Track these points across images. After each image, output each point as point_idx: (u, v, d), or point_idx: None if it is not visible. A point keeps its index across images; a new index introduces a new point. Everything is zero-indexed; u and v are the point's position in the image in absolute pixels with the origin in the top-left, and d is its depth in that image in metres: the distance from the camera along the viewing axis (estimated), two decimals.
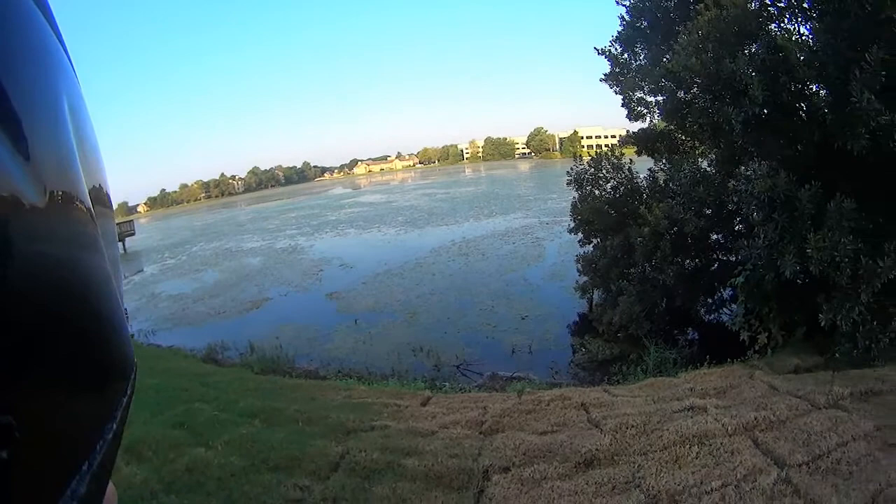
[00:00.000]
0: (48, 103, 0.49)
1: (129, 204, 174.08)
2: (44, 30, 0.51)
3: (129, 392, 0.57)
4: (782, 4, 10.94)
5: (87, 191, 0.52)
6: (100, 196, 0.60)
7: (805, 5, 10.58)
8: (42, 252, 0.40)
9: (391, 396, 10.20)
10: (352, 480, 6.17)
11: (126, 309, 0.60)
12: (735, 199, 10.14)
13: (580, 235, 17.27)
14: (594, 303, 17.20)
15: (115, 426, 0.51)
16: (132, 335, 20.19)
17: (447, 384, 12.62)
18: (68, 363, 0.43)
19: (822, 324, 9.03)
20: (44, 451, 0.39)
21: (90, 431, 0.46)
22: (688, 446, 6.09)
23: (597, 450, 6.27)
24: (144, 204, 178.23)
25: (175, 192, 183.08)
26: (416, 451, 6.86)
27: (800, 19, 10.82)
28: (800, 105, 10.32)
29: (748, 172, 9.72)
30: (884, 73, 8.17)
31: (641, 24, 14.99)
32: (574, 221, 17.15)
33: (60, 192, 0.45)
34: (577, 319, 17.70)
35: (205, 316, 24.06)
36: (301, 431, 7.89)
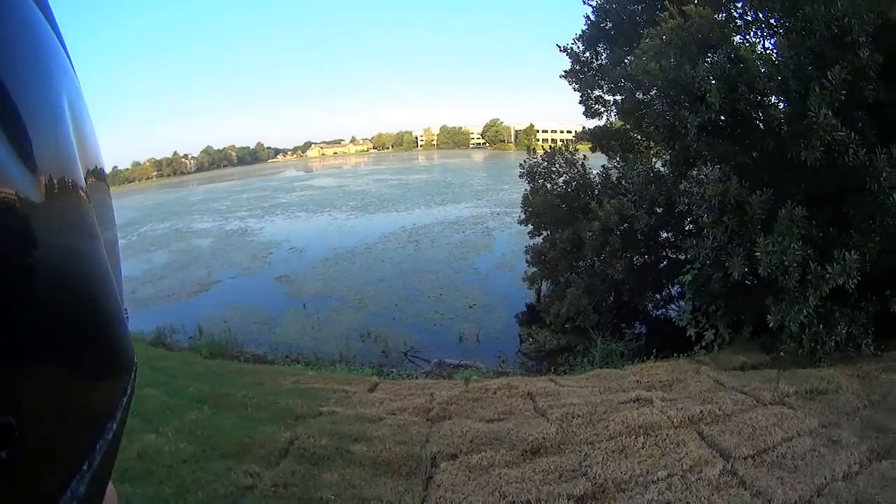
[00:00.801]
0: (48, 102, 0.49)
1: None
2: (44, 30, 0.51)
3: (129, 392, 0.57)
4: (749, 18, 11.20)
5: (87, 190, 0.52)
6: (100, 196, 0.60)
7: (772, 21, 10.83)
8: (42, 252, 0.40)
9: (339, 382, 10.24)
10: (301, 467, 6.18)
11: (126, 308, 0.60)
12: (686, 201, 10.31)
13: (530, 227, 17.39)
14: (542, 294, 17.39)
15: (115, 426, 0.51)
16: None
17: (395, 370, 12.69)
18: (68, 363, 0.43)
19: (771, 324, 9.25)
20: (44, 451, 0.39)
21: (90, 431, 0.47)
22: (634, 437, 6.22)
23: (543, 438, 6.37)
24: None
25: (127, 169, 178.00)
26: (364, 437, 6.90)
27: (765, 34, 11.09)
28: (757, 115, 10.54)
29: (700, 176, 9.91)
30: (843, 91, 8.45)
31: (606, 24, 15.22)
32: (525, 213, 17.28)
33: (61, 192, 0.46)
34: (525, 310, 17.88)
35: (154, 298, 23.67)
36: (250, 417, 7.89)
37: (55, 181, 0.44)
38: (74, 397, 0.44)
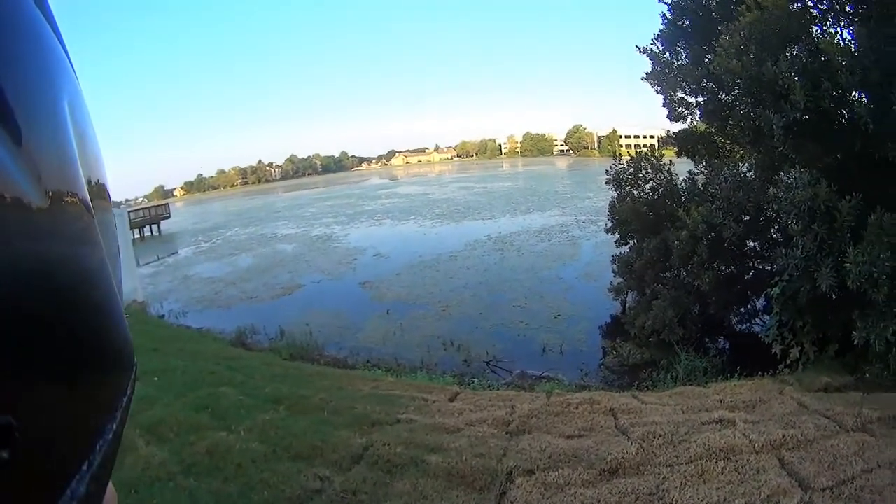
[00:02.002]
0: (48, 103, 0.49)
1: (166, 187, 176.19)
2: (44, 30, 0.52)
3: (129, 392, 0.57)
4: (825, 7, 10.69)
5: (87, 191, 0.52)
6: (100, 196, 0.60)
7: (847, 9, 10.32)
8: (42, 252, 0.41)
9: (419, 390, 10.22)
10: (373, 474, 6.16)
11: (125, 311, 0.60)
12: (774, 207, 9.93)
13: (617, 236, 17.07)
14: (627, 305, 17.05)
15: (115, 426, 0.51)
16: (161, 316, 20.62)
17: (476, 380, 12.59)
18: (68, 363, 0.43)
19: (856, 342, 8.81)
20: (44, 452, 0.39)
21: (90, 431, 0.47)
22: (714, 461, 5.99)
23: (623, 458, 6.19)
24: (181, 188, 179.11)
25: (212, 177, 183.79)
26: (440, 447, 6.83)
27: (842, 23, 10.56)
28: (841, 112, 10.06)
29: (789, 180, 9.51)
30: None
31: (683, 22, 14.77)
32: (611, 221, 16.96)
33: (61, 193, 0.46)
34: (610, 321, 17.55)
35: (236, 300, 24.36)
36: (325, 421, 7.91)
37: (55, 182, 0.45)
38: (74, 398, 0.44)
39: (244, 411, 8.15)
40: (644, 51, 15.59)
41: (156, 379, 9.66)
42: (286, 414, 8.19)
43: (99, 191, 0.60)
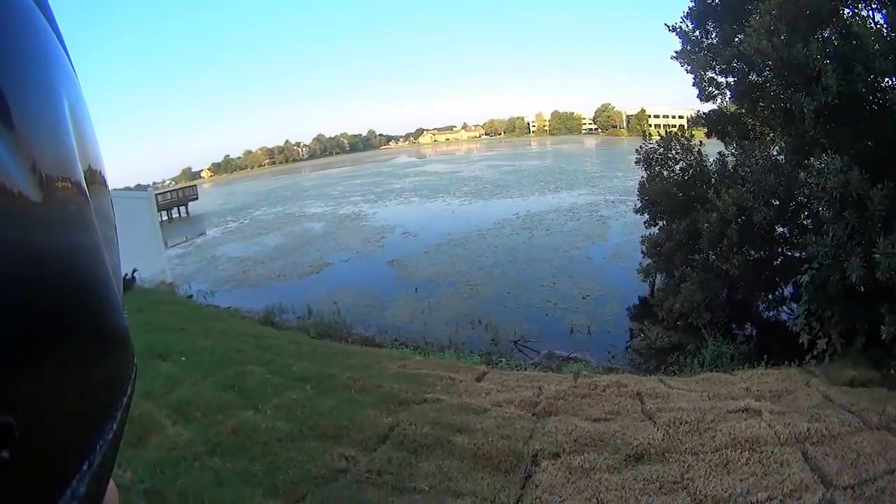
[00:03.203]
0: (48, 103, 0.49)
1: (193, 169, 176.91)
2: (44, 30, 0.52)
3: (129, 391, 0.57)
4: None
5: (87, 192, 0.53)
6: (100, 197, 0.61)
7: None
8: (42, 252, 0.41)
9: (446, 369, 10.22)
10: (399, 454, 6.22)
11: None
12: (805, 192, 9.81)
13: (646, 216, 16.95)
14: (656, 287, 16.99)
15: (115, 426, 0.51)
16: (189, 296, 20.81)
17: (503, 360, 12.62)
18: (69, 363, 0.44)
19: (883, 336, 8.70)
20: (44, 451, 0.40)
21: (90, 431, 0.47)
22: (739, 451, 5.98)
23: (648, 444, 6.20)
24: (208, 169, 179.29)
25: (239, 157, 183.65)
26: (467, 428, 6.87)
27: (874, 5, 10.35)
28: (874, 98, 9.89)
29: (820, 166, 9.39)
30: None
31: (713, 0, 14.54)
32: (641, 202, 16.86)
33: (61, 192, 0.46)
34: (638, 303, 17.52)
35: (265, 279, 24.58)
36: (352, 400, 7.96)
37: (55, 182, 0.46)
38: (75, 397, 0.45)
39: (271, 390, 8.21)
40: (673, 29, 15.33)
41: (183, 359, 9.75)
42: (313, 392, 8.23)
43: (100, 194, 0.62)
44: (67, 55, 0.58)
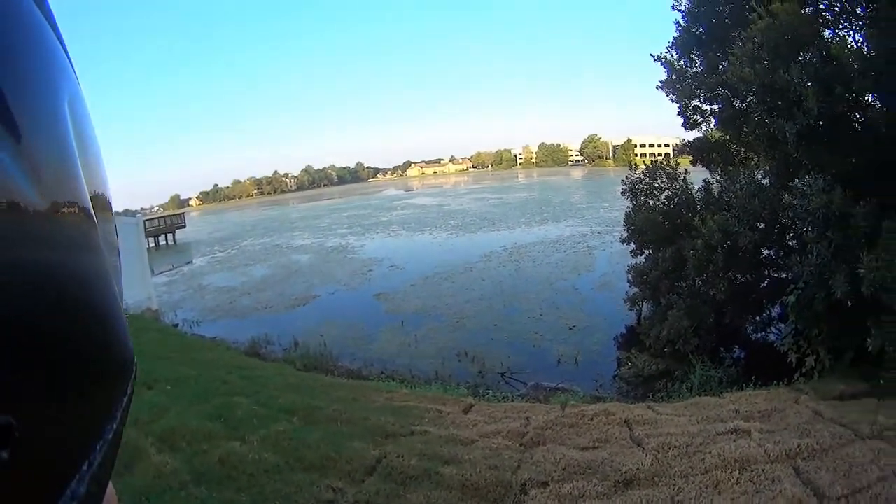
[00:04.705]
0: (48, 104, 0.48)
1: (182, 197, 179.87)
2: (44, 30, 0.51)
3: (129, 392, 0.56)
4: (837, 9, 10.65)
5: (87, 192, 0.51)
6: (100, 197, 0.59)
7: (858, 10, 10.28)
8: (41, 253, 0.40)
9: (433, 402, 10.18)
10: (387, 486, 6.12)
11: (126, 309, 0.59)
12: (790, 214, 9.89)
13: (632, 246, 17.08)
14: (643, 315, 16.97)
15: (115, 426, 0.50)
16: (175, 325, 20.78)
17: (490, 392, 12.58)
18: (68, 363, 0.42)
19: (870, 349, 8.77)
20: (44, 452, 0.39)
21: (90, 432, 0.46)
22: (729, 471, 5.93)
23: (637, 470, 6.15)
24: (196, 198, 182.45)
25: (228, 187, 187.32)
26: (454, 459, 6.80)
27: (854, 26, 10.52)
28: (855, 117, 10.01)
29: (804, 187, 9.47)
30: None
31: (697, 30, 14.81)
32: (627, 231, 16.98)
33: (61, 194, 0.45)
34: (625, 332, 17.53)
35: (251, 310, 24.59)
36: (339, 432, 7.87)
37: (55, 183, 0.45)
38: (75, 398, 0.43)
39: (257, 421, 8.10)
40: (658, 59, 15.62)
41: (169, 387, 9.67)
42: (300, 424, 8.16)
43: (99, 194, 0.60)
44: (67, 55, 0.58)
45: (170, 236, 57.17)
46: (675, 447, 6.70)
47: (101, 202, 0.59)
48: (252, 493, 5.86)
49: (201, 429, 7.59)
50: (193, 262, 42.65)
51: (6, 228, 0.36)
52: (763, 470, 5.92)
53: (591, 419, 8.37)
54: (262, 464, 6.55)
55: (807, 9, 10.66)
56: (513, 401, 11.44)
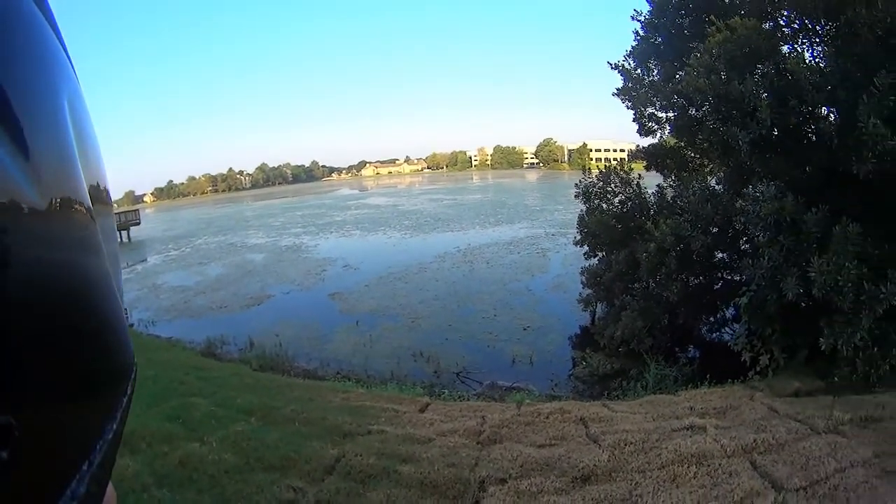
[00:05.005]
0: (48, 103, 0.49)
1: (136, 193, 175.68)
2: (44, 30, 0.51)
3: (129, 392, 0.57)
4: (796, 26, 10.94)
5: (87, 191, 0.52)
6: (100, 196, 0.60)
7: (817, 28, 10.57)
8: (42, 253, 0.41)
9: (390, 401, 10.17)
10: (346, 484, 6.12)
11: (126, 309, 0.59)
12: (742, 220, 10.11)
13: (586, 248, 17.20)
14: (597, 316, 17.16)
15: (115, 426, 0.50)
16: (130, 325, 20.28)
17: (446, 391, 12.56)
18: (68, 363, 0.43)
19: (823, 348, 9.01)
20: (44, 452, 0.39)
21: (90, 431, 0.46)
22: (686, 466, 6.03)
23: (594, 465, 6.22)
24: (151, 194, 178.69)
25: (183, 184, 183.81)
26: (412, 458, 6.82)
27: (812, 42, 10.82)
28: (808, 128, 10.29)
29: (756, 193, 9.69)
30: (892, 97, 8.18)
31: (656, 39, 14.99)
32: (580, 234, 17.11)
33: (61, 193, 0.46)
34: (579, 332, 17.67)
35: (206, 309, 24.26)
36: (297, 432, 7.85)
37: (55, 182, 0.45)
38: (74, 398, 0.44)
39: (216, 422, 8.04)
40: (616, 67, 15.79)
41: None
42: (258, 425, 8.12)
43: (99, 192, 0.60)
44: (67, 55, 0.58)
45: (124, 234, 55.60)
46: (632, 443, 6.79)
47: (101, 202, 0.60)
48: (213, 494, 5.83)
49: (161, 430, 7.52)
50: (148, 260, 41.81)
51: (6, 228, 0.36)
52: (720, 464, 6.04)
53: (547, 417, 8.46)
54: (222, 464, 6.51)
55: (767, 24, 10.92)
56: (469, 400, 11.50)
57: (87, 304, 0.47)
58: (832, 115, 10.07)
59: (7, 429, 0.34)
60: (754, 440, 6.56)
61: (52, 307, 0.41)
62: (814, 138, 10.31)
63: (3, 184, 0.36)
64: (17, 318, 0.36)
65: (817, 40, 10.77)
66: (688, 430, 7.23)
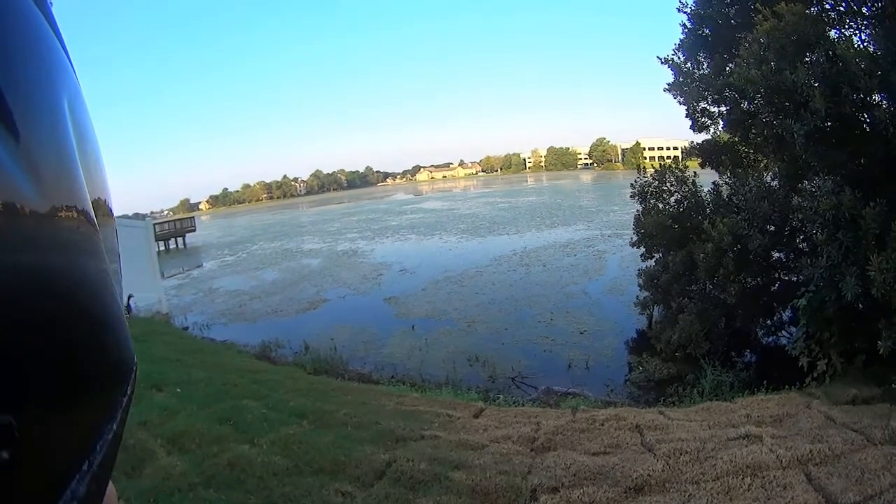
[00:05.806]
0: (48, 104, 0.49)
1: (192, 201, 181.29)
2: (44, 30, 0.51)
3: (129, 392, 0.56)
4: (842, 8, 10.57)
5: (87, 193, 0.52)
6: (100, 198, 0.60)
7: (863, 10, 10.21)
8: (42, 253, 0.41)
9: (444, 406, 10.11)
10: (396, 490, 6.09)
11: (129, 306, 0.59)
12: (799, 216, 9.82)
13: (642, 249, 16.96)
14: (654, 319, 16.94)
15: (115, 426, 0.50)
16: (185, 328, 20.81)
17: (501, 396, 12.53)
18: (68, 364, 0.43)
19: (881, 351, 8.65)
20: (44, 452, 0.39)
21: (91, 431, 0.47)
22: (741, 477, 5.88)
23: (648, 475, 6.10)
24: (206, 202, 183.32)
25: (237, 191, 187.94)
26: (464, 464, 6.76)
27: (862, 25, 10.44)
28: (862, 117, 9.93)
29: (812, 189, 9.41)
30: None
31: (703, 31, 14.70)
32: (637, 235, 16.89)
33: (60, 194, 0.46)
34: (636, 336, 17.46)
35: (261, 313, 24.57)
36: (349, 436, 7.85)
37: (55, 183, 0.45)
38: (75, 398, 0.44)
39: (267, 424, 8.12)
40: (665, 61, 15.48)
41: (178, 390, 9.70)
42: (310, 428, 8.15)
43: (99, 195, 0.60)
44: (67, 55, 0.58)
45: (180, 240, 57.41)
46: (687, 453, 6.65)
47: (101, 203, 0.60)
48: (261, 496, 5.88)
49: (211, 431, 7.62)
50: (203, 265, 42.84)
51: (6, 229, 0.36)
52: (774, 476, 5.88)
53: (602, 424, 8.31)
54: (271, 467, 6.56)
55: (812, 9, 10.59)
56: (523, 405, 11.34)
57: (87, 304, 0.48)
58: (884, 102, 9.69)
59: (8, 429, 0.34)
60: (810, 451, 6.37)
61: (52, 307, 0.41)
62: (868, 129, 9.94)
63: (2, 184, 0.36)
64: (17, 318, 0.36)
65: (864, 23, 10.37)
66: (743, 439, 7.04)
